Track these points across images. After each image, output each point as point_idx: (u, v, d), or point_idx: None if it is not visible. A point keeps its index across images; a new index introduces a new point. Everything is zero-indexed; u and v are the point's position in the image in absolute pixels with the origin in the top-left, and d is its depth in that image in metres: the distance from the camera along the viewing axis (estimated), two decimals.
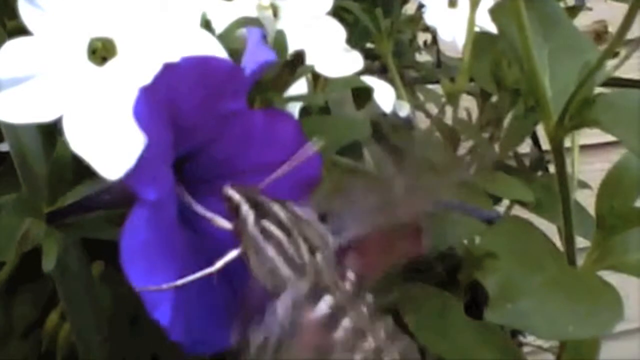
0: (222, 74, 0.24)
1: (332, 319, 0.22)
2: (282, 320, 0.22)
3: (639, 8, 0.28)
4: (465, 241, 0.38)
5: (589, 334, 0.29)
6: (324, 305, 0.22)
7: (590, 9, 0.52)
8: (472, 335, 0.35)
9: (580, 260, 0.34)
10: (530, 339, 0.53)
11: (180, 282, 0.22)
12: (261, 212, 0.23)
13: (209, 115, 0.25)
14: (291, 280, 0.23)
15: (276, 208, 0.23)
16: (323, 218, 0.24)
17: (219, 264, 0.23)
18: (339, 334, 0.22)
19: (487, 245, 0.32)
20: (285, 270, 0.23)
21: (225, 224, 0.24)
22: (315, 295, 0.23)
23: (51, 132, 0.28)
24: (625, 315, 0.29)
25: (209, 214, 0.24)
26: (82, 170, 0.27)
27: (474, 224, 0.35)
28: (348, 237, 0.24)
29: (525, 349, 0.55)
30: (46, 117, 0.27)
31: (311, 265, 0.23)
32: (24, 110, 0.27)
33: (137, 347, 0.32)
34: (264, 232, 0.23)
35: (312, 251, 0.23)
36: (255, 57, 0.26)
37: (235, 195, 0.23)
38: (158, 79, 0.22)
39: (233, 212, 0.23)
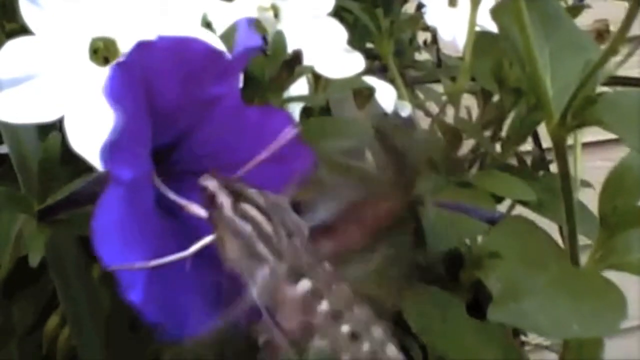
0: (200, 55, 0.24)
1: (310, 302, 0.23)
2: (258, 297, 0.22)
3: (638, 10, 0.28)
4: (468, 241, 0.38)
5: (593, 333, 0.29)
6: (302, 287, 0.23)
7: (589, 7, 0.52)
8: (474, 335, 0.35)
9: (581, 259, 0.34)
10: (530, 337, 0.53)
11: (153, 263, 0.22)
12: (238, 198, 0.23)
13: (188, 98, 0.24)
14: (269, 260, 0.23)
15: (254, 194, 0.23)
16: (296, 206, 0.24)
17: (192, 248, 0.23)
18: (317, 317, 0.22)
19: (490, 245, 0.32)
20: (262, 249, 0.23)
21: (199, 211, 0.24)
22: (293, 277, 0.23)
23: (50, 132, 0.28)
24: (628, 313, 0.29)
25: (183, 201, 0.24)
26: (74, 173, 0.27)
27: (476, 224, 0.35)
28: (322, 220, 0.24)
29: (526, 347, 0.55)
30: (47, 118, 0.27)
31: (289, 248, 0.23)
32: (24, 110, 0.27)
33: (137, 350, 0.32)
34: (242, 214, 0.23)
35: (289, 235, 0.23)
36: (242, 43, 0.26)
37: (211, 184, 0.23)
38: (132, 55, 0.22)
39: (209, 201, 0.23)
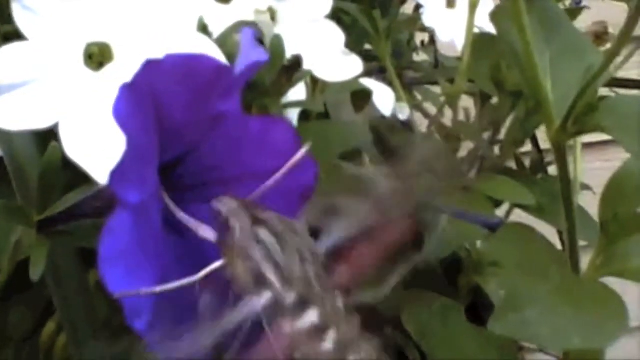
0: (208, 72, 0.23)
1: (316, 335, 0.22)
2: (251, 317, 0.22)
3: None
4: (467, 245, 0.38)
5: (594, 344, 0.29)
6: (309, 318, 0.22)
7: (588, 8, 0.52)
8: (473, 340, 0.35)
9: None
10: None
11: (159, 288, 0.22)
12: (255, 221, 0.23)
13: (196, 115, 0.24)
14: (276, 287, 0.22)
15: (270, 217, 0.23)
16: (313, 232, 0.24)
17: (201, 274, 0.22)
18: (321, 351, 0.22)
19: (491, 253, 0.32)
20: (271, 277, 0.22)
21: (208, 233, 0.23)
22: (300, 307, 0.22)
23: (46, 139, 0.28)
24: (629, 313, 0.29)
25: (193, 223, 0.23)
26: (72, 178, 0.26)
27: (475, 230, 0.35)
28: (337, 244, 0.24)
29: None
30: (42, 124, 0.26)
31: (300, 276, 0.23)
32: (19, 117, 0.26)
33: (134, 357, 0.32)
34: (255, 237, 0.23)
35: (302, 263, 0.23)
36: (247, 57, 0.26)
37: (225, 207, 0.23)
38: (140, 75, 0.21)
39: (223, 224, 0.23)
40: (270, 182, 0.24)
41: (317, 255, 0.23)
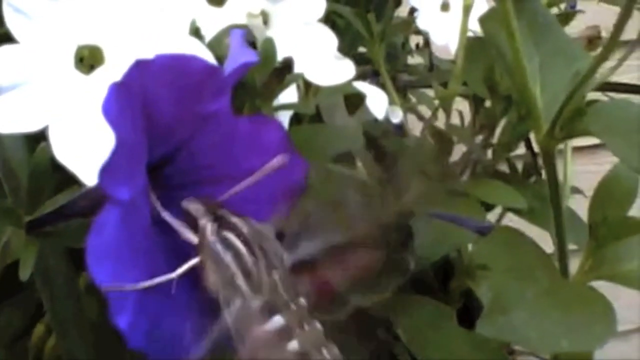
0: (198, 73, 0.24)
1: (280, 340, 0.22)
2: (228, 329, 0.22)
3: (630, 14, 0.28)
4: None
5: (582, 347, 0.29)
6: (274, 324, 0.22)
7: (583, 12, 0.52)
8: (464, 344, 0.35)
9: (570, 264, 0.34)
10: None
11: (142, 284, 0.22)
12: (221, 224, 0.23)
13: (185, 115, 0.24)
14: (245, 293, 0.22)
15: (237, 221, 0.23)
16: (279, 236, 0.24)
17: (179, 271, 0.23)
18: (287, 352, 0.22)
19: (480, 257, 0.32)
20: (241, 281, 0.23)
21: (191, 237, 0.23)
22: (266, 313, 0.23)
23: (36, 141, 0.28)
24: (623, 316, 0.29)
25: (176, 224, 0.24)
26: (62, 179, 0.26)
27: (466, 234, 0.35)
28: (303, 256, 0.24)
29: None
30: (32, 127, 0.26)
31: (267, 282, 0.23)
32: (9, 119, 0.26)
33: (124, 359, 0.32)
34: (224, 242, 0.23)
35: (270, 268, 0.23)
36: (237, 58, 0.26)
37: (194, 207, 0.23)
38: (129, 74, 0.22)
39: (193, 224, 0.23)
40: (247, 182, 0.24)
41: (283, 260, 0.24)
